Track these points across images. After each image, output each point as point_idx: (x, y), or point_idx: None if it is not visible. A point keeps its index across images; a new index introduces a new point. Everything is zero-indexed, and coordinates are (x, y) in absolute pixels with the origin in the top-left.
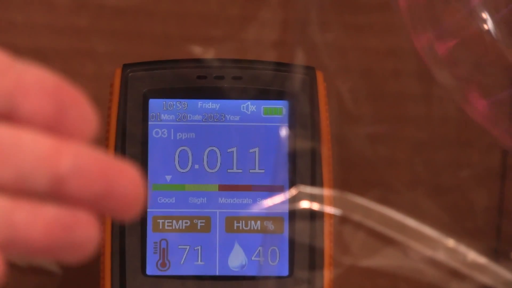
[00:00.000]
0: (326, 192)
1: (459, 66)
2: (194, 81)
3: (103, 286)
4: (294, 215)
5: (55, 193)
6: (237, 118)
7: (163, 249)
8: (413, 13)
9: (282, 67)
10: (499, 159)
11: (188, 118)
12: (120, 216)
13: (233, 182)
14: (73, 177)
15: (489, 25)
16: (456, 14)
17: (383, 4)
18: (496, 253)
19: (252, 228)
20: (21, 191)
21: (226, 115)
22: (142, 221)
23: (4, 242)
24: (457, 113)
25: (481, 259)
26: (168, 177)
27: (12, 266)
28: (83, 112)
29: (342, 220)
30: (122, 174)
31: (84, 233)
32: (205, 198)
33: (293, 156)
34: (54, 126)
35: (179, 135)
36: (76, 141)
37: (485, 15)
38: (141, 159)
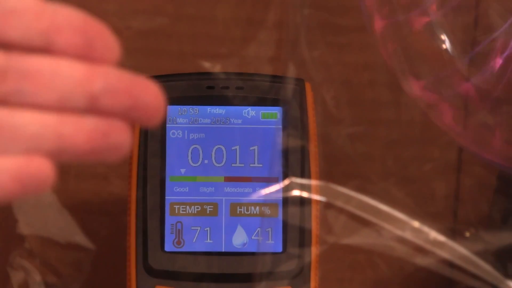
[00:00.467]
0: (313, 182)
1: (422, 78)
2: (204, 91)
3: (129, 261)
4: (287, 201)
5: (92, 109)
6: (240, 121)
7: (178, 229)
8: (385, 35)
9: (277, 79)
10: (456, 155)
11: (199, 122)
12: (146, 123)
13: (236, 174)
14: (105, 94)
15: (447, 44)
16: (419, 36)
17: (359, 26)
18: (453, 233)
19: (252, 212)
20: (64, 109)
21: (231, 119)
22: (161, 207)
23: (55, 151)
24: (421, 116)
25: (441, 237)
26: (183, 170)
27: (54, 243)
28: (108, 41)
29: (327, 206)
30: (145, 89)
31: (118, 137)
32: (213, 188)
33: (286, 153)
34: (85, 55)
35: (192, 136)
36: (105, 65)
37: (443, 37)
38: (160, 155)
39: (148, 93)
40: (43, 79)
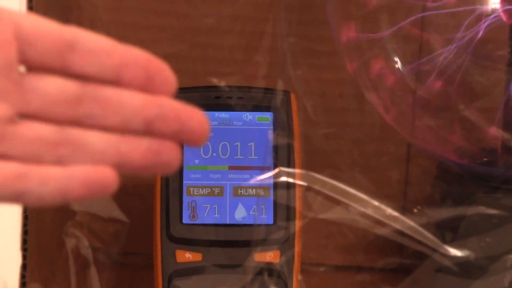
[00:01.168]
0: (297, 171)
1: (380, 91)
2: (213, 100)
3: (155, 231)
4: (277, 185)
5: (147, 131)
6: (240, 123)
7: (193, 207)
8: (351, 57)
9: (269, 91)
10: (406, 149)
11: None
12: (192, 144)
13: (238, 164)
14: (158, 120)
15: (398, 64)
16: (377, 58)
17: (332, 51)
18: (404, 209)
19: (249, 193)
20: (125, 130)
21: (233, 121)
22: (180, 189)
23: (116, 165)
24: (379, 120)
25: (394, 213)
26: (196, 161)
27: (98, 217)
28: (166, 76)
29: (307, 189)
30: (192, 117)
31: (169, 156)
32: (220, 175)
33: (275, 148)
34: (146, 87)
35: None
36: (161, 96)
37: (396, 59)
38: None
39: (194, 120)
40: (110, 106)
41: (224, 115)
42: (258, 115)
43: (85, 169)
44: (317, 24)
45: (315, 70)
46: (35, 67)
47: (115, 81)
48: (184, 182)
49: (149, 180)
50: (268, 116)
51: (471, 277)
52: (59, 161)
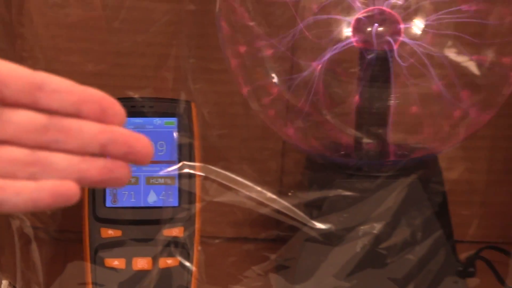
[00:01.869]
0: (197, 164)
1: (260, 99)
2: (129, 108)
3: (84, 213)
4: (181, 175)
5: (102, 153)
6: (151, 127)
7: (114, 193)
8: (238, 74)
9: (174, 101)
10: (282, 145)
11: (126, 128)
12: (139, 163)
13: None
14: (110, 144)
15: (276, 81)
16: (260, 75)
17: (224, 69)
18: (280, 193)
19: (159, 182)
20: (84, 153)
21: (146, 125)
22: None
23: (77, 179)
24: (261, 123)
25: (273, 196)
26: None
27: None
28: (116, 109)
29: (205, 178)
30: (138, 141)
31: (120, 172)
32: (135, 168)
33: (180, 146)
34: (101, 118)
35: None
36: (113, 126)
37: (273, 75)
38: None
39: (140, 144)
40: (71, 133)
41: (138, 120)
42: (165, 120)
43: (52, 182)
44: (211, 49)
45: (210, 84)
46: (10, 103)
47: (75, 114)
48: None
49: None
50: (173, 121)
51: (332, 244)
52: (31, 178)
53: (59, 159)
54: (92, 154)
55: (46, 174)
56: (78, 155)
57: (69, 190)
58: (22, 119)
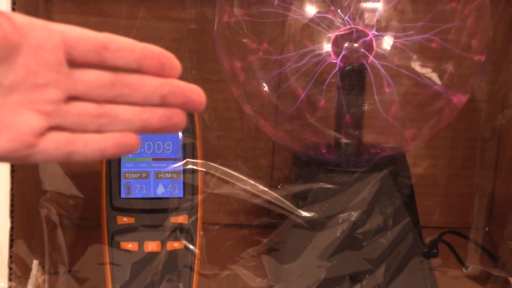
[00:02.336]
0: (199, 161)
1: (253, 106)
2: None
3: (102, 202)
4: (185, 171)
5: (163, 104)
6: None
7: (128, 186)
8: (231, 83)
9: None
10: (272, 145)
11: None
12: (194, 110)
13: (158, 157)
14: (169, 95)
15: (266, 89)
16: (252, 85)
17: (221, 79)
18: (271, 186)
19: (166, 176)
20: (146, 104)
21: None
22: (119, 174)
23: (141, 127)
24: (254, 125)
25: (265, 189)
26: (130, 155)
27: (62, 194)
28: (173, 63)
29: (206, 173)
30: (193, 92)
31: (177, 119)
32: (146, 164)
33: (184, 145)
34: (159, 72)
35: None
36: (171, 79)
37: (264, 84)
38: None
39: (195, 94)
40: (135, 87)
41: None
42: None
43: (115, 135)
44: (210, 62)
45: (209, 92)
46: (79, 63)
47: (137, 69)
48: (121, 169)
49: (97, 168)
50: None
51: (315, 230)
52: (99, 129)
53: (124, 111)
54: (154, 105)
55: (113, 124)
56: (140, 106)
57: (130, 140)
58: (91, 77)
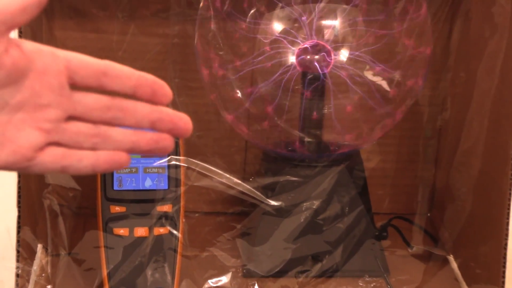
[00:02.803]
0: (181, 157)
1: (229, 109)
2: None
3: (97, 193)
4: (169, 166)
5: (152, 128)
6: (148, 130)
7: (120, 179)
8: (209, 89)
9: None
10: (245, 144)
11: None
12: (180, 136)
13: (145, 154)
14: (158, 121)
15: (240, 95)
16: (227, 91)
17: (201, 86)
18: (243, 179)
19: (153, 171)
20: (137, 127)
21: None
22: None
23: (130, 148)
24: (229, 127)
25: (238, 181)
26: None
27: (62, 187)
28: (164, 91)
29: (188, 168)
30: (180, 120)
31: (165, 143)
32: (136, 160)
33: None
34: (151, 98)
35: None
36: (160, 106)
37: (238, 91)
38: None
39: (182, 121)
40: (128, 112)
41: None
42: None
43: (108, 152)
44: (191, 71)
45: (190, 98)
46: (80, 86)
47: (132, 95)
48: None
49: None
50: None
51: (282, 217)
52: (93, 147)
53: (116, 133)
54: (144, 128)
55: (106, 144)
56: (132, 130)
57: (121, 158)
58: (90, 101)
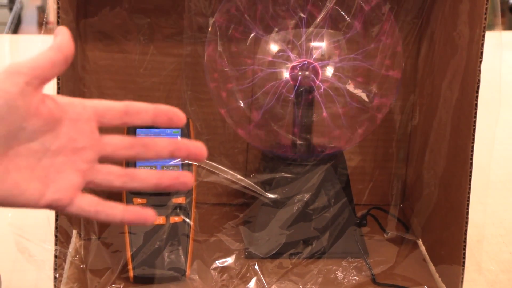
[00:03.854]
0: None
1: (232, 116)
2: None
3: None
4: (183, 165)
5: (171, 157)
6: (164, 134)
7: None
8: (216, 99)
9: None
10: (246, 145)
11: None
12: (198, 161)
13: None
14: (176, 151)
15: (242, 105)
16: (232, 102)
17: (209, 98)
18: (245, 175)
19: (170, 169)
20: (158, 158)
21: (161, 133)
22: (135, 167)
23: (154, 185)
24: (233, 131)
25: (241, 177)
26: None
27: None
28: (178, 117)
29: (198, 166)
30: (195, 147)
31: (184, 179)
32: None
33: None
34: (169, 125)
35: None
36: (177, 139)
37: (240, 100)
38: None
39: (197, 149)
40: (149, 147)
41: (157, 130)
42: (173, 130)
43: (136, 208)
44: (201, 85)
45: (200, 107)
46: (107, 126)
47: (152, 125)
48: (137, 164)
49: (119, 163)
50: (178, 130)
51: (278, 207)
52: (122, 186)
53: (142, 172)
54: (164, 158)
55: (133, 182)
56: (156, 168)
57: (146, 214)
58: (116, 141)
